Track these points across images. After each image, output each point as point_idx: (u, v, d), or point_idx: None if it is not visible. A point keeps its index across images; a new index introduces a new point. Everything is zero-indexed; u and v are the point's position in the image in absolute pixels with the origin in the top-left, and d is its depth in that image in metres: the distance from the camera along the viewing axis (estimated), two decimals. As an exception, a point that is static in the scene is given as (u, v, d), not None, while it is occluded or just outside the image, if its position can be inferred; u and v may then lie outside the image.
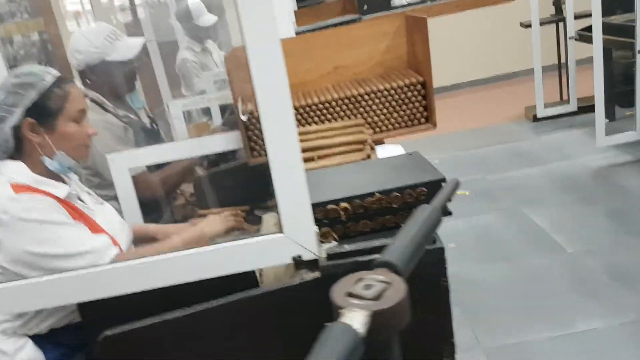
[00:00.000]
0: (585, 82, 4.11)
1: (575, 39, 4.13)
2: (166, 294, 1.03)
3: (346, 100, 1.65)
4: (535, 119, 4.60)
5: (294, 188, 0.97)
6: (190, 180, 2.11)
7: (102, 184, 2.12)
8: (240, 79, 1.65)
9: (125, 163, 1.88)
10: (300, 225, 0.99)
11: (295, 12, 3.64)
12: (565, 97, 4.65)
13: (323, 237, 1.06)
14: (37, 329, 1.32)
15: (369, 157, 1.39)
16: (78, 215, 1.35)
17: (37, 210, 1.26)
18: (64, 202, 1.34)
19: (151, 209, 2.09)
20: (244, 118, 1.60)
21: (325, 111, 1.65)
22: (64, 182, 1.43)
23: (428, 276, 1.00)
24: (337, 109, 1.66)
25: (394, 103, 1.67)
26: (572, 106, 4.48)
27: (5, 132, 1.33)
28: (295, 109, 1.64)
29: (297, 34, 1.96)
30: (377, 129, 1.69)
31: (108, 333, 1.02)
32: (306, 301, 1.01)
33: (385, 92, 1.66)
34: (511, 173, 3.93)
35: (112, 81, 2.25)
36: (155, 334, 1.04)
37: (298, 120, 1.65)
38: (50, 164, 1.37)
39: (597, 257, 2.71)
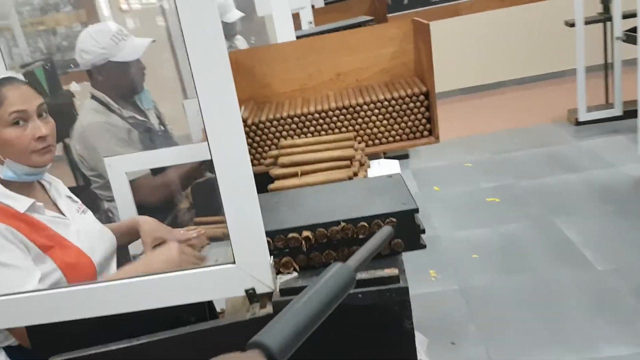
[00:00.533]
0: (633, 85, 3.87)
1: (623, 40, 3.88)
2: (118, 321, 0.98)
3: (344, 110, 1.57)
4: (577, 122, 4.38)
5: (246, 216, 0.90)
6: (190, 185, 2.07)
7: (106, 186, 2.10)
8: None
9: (122, 167, 1.85)
10: (253, 255, 0.92)
11: (320, 9, 3.56)
12: (610, 100, 4.40)
13: (283, 267, 0.98)
14: (7, 342, 1.30)
15: (355, 174, 1.30)
16: (36, 229, 1.31)
17: None
18: (21, 218, 1.30)
19: (154, 212, 2.06)
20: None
21: (322, 121, 1.57)
22: (35, 189, 1.40)
23: (391, 318, 0.91)
24: (335, 119, 1.57)
25: (394, 114, 1.57)
26: (617, 110, 4.24)
27: None
28: (291, 117, 1.57)
29: (302, 37, 1.88)
30: (377, 141, 1.60)
31: (55, 359, 0.97)
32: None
33: (386, 103, 1.56)
34: (546, 179, 3.74)
35: (118, 82, 2.23)
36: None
37: (293, 130, 1.57)
38: (3, 174, 1.33)
39: (628, 277, 2.53)
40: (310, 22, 2.61)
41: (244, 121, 1.57)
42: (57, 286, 1.31)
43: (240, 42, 4.20)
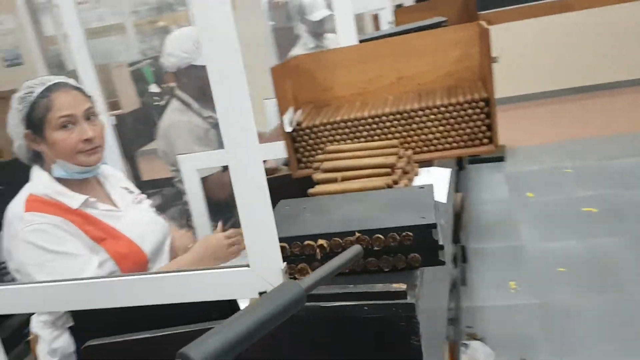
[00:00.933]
0: None
1: None
2: (154, 311, 1.04)
3: (397, 116, 1.54)
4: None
5: (259, 221, 0.92)
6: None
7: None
8: (287, 89, 1.61)
9: (194, 164, 1.95)
10: (267, 260, 0.94)
11: (407, 7, 3.51)
12: None
13: (299, 273, 0.99)
14: (70, 323, 1.42)
15: (395, 182, 1.28)
16: (89, 223, 1.41)
17: (40, 235, 1.35)
18: (75, 213, 1.41)
19: (225, 209, 2.15)
20: (288, 129, 1.56)
21: (375, 126, 1.56)
22: (90, 184, 1.51)
23: (397, 334, 0.89)
24: (388, 124, 1.55)
25: (452, 120, 1.52)
26: None
27: (20, 145, 1.44)
28: (345, 122, 1.57)
29: (367, 40, 1.86)
30: (432, 147, 1.55)
31: (90, 343, 1.05)
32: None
33: (443, 109, 1.52)
34: (651, 191, 3.45)
35: (199, 84, 2.35)
36: (133, 349, 1.06)
37: (346, 134, 1.57)
38: (56, 172, 1.45)
39: None
40: (390, 22, 2.58)
41: (299, 124, 1.59)
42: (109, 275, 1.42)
43: (331, 41, 4.24)
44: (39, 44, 7.11)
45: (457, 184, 3.95)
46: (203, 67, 2.30)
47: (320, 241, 0.98)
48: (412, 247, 0.97)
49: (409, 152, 1.43)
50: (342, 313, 0.90)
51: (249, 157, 0.90)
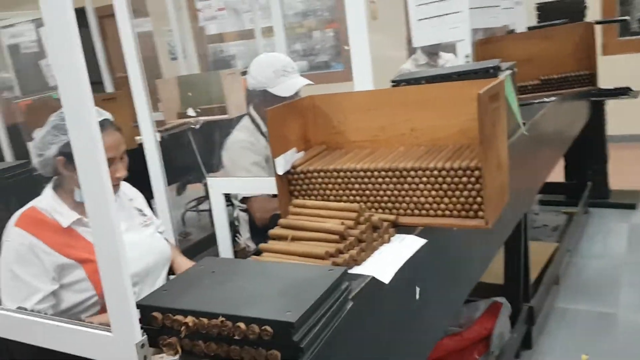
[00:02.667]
0: None
1: None
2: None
3: (390, 173, 1.43)
4: None
5: (118, 288, 0.91)
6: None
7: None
8: (291, 129, 1.57)
9: (220, 188, 1.98)
10: (128, 328, 0.93)
11: (521, 33, 3.24)
12: None
13: (167, 348, 0.96)
14: None
15: (340, 252, 1.18)
16: (74, 243, 1.49)
17: (11, 253, 1.47)
18: (64, 232, 1.49)
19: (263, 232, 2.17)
20: (280, 172, 1.52)
21: (367, 180, 1.46)
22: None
23: None
24: (380, 180, 1.44)
25: (445, 186, 1.37)
26: None
27: (45, 161, 1.55)
28: (337, 171, 1.49)
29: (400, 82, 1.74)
30: (424, 212, 1.41)
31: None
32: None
33: (436, 172, 1.38)
34: None
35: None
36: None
37: (338, 184, 1.49)
38: (77, 195, 1.54)
39: None
40: (467, 56, 2.39)
41: (293, 167, 1.54)
42: (83, 293, 1.50)
43: (445, 61, 4.05)
44: (196, 42, 7.71)
45: (564, 232, 3.58)
46: (276, 96, 2.35)
47: (189, 319, 0.94)
48: (272, 343, 0.89)
49: (377, 217, 1.31)
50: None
51: (107, 225, 0.89)
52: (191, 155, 3.68)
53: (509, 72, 2.06)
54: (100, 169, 0.87)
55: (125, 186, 1.76)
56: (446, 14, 2.36)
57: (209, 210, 4.09)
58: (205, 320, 0.93)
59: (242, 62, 7.67)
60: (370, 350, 1.17)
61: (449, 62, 4.12)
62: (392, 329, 1.26)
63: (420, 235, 1.37)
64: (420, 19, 2.42)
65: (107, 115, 1.64)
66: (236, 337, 0.91)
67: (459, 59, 2.41)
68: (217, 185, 1.96)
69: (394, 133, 1.60)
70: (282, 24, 2.92)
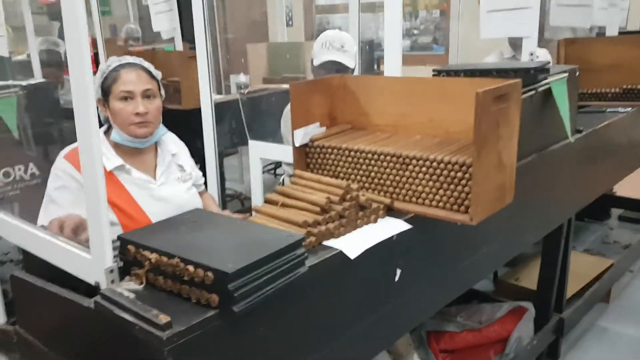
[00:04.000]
0: None
1: None
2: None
3: (394, 158, 1.48)
4: None
5: (97, 221, 1.07)
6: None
7: None
8: (314, 105, 1.65)
9: (259, 153, 2.12)
10: (101, 254, 1.08)
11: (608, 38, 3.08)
12: None
13: (135, 277, 1.11)
14: None
15: (318, 223, 1.27)
16: (113, 189, 1.67)
17: (53, 177, 1.67)
18: (107, 174, 1.67)
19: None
20: (297, 143, 1.62)
21: (372, 162, 1.52)
22: (144, 152, 1.78)
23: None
24: (385, 163, 1.50)
25: (442, 179, 1.41)
26: None
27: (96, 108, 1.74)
28: (348, 150, 1.56)
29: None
30: (420, 201, 1.46)
31: (16, 274, 1.33)
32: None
33: (435, 164, 1.41)
34: None
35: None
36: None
37: (349, 162, 1.57)
38: (113, 136, 1.72)
39: None
40: (532, 54, 2.32)
41: (312, 141, 1.63)
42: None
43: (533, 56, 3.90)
44: (305, 10, 7.86)
45: (630, 250, 3.39)
46: (320, 67, 2.45)
47: (152, 255, 1.07)
48: (213, 288, 1.00)
49: (365, 197, 1.37)
50: (118, 323, 1.00)
51: (92, 170, 1.04)
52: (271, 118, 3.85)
53: (560, 75, 2.01)
54: (88, 104, 1.00)
55: (170, 140, 1.91)
56: (516, 9, 2.30)
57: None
58: (165, 258, 1.06)
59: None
60: (327, 317, 1.25)
61: (539, 57, 3.97)
62: (357, 303, 1.33)
63: (410, 221, 1.42)
64: (489, 11, 2.38)
65: (139, 61, 1.78)
66: (185, 278, 1.03)
67: (524, 56, 2.35)
68: (256, 150, 2.10)
69: (414, 121, 1.64)
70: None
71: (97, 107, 1.75)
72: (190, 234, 1.15)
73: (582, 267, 2.93)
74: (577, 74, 2.19)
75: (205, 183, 2.35)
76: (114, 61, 1.75)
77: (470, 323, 2.39)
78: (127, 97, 1.69)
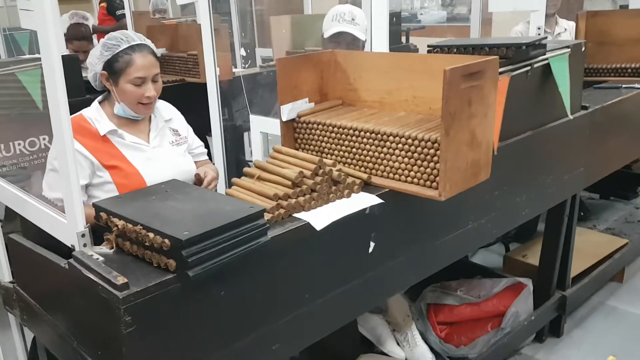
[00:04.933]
0: None
1: None
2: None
3: (372, 135, 1.51)
4: None
5: (70, 188, 1.15)
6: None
7: None
8: (303, 80, 1.69)
9: (259, 127, 2.18)
10: (74, 219, 1.17)
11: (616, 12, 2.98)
12: None
13: (106, 242, 1.20)
14: None
15: (287, 197, 1.33)
16: (106, 151, 1.77)
17: (55, 150, 1.74)
18: (100, 139, 1.77)
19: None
20: (284, 118, 1.67)
21: (354, 138, 1.56)
22: (141, 120, 1.88)
23: (109, 318, 1.05)
24: (365, 140, 1.54)
25: (416, 155, 1.44)
26: None
27: (96, 75, 1.82)
28: (331, 126, 1.60)
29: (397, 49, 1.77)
30: (396, 177, 1.50)
31: (12, 236, 1.45)
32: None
33: (410, 141, 1.44)
34: None
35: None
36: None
37: (332, 138, 1.61)
38: (116, 109, 1.81)
39: None
40: (539, 28, 2.29)
41: (298, 116, 1.68)
42: (108, 193, 1.78)
43: (560, 28, 3.83)
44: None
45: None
46: (329, 40, 2.47)
47: (119, 222, 1.16)
48: (170, 254, 1.08)
49: (337, 172, 1.42)
50: (86, 283, 1.09)
51: (63, 142, 1.12)
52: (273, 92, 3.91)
53: (561, 51, 1.98)
54: (55, 73, 1.08)
55: (164, 107, 1.98)
56: (524, -18, 2.27)
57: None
58: (130, 225, 1.14)
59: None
60: (293, 286, 1.32)
61: (567, 30, 3.87)
62: (327, 274, 1.39)
63: (386, 197, 1.46)
64: (498, -15, 2.36)
65: (145, 41, 1.85)
66: (147, 244, 1.11)
67: (531, 30, 2.31)
68: (256, 124, 2.16)
69: (399, 98, 1.66)
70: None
71: (99, 78, 1.84)
72: (159, 204, 1.23)
73: (593, 246, 2.90)
74: (583, 49, 2.15)
75: (211, 157, 2.44)
76: (122, 41, 1.81)
77: (469, 297, 2.42)
78: (140, 81, 1.78)
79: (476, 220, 1.83)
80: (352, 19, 2.54)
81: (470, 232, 1.81)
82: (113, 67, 1.77)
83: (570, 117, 2.04)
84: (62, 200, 1.23)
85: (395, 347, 2.32)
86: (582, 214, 3.68)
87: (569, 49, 2.02)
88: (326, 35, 2.49)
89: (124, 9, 4.43)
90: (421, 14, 7.65)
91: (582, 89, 2.29)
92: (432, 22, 7.37)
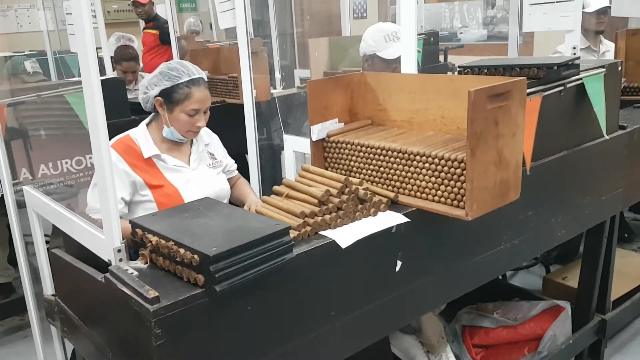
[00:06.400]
0: None
1: None
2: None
3: (400, 154, 1.53)
4: None
5: (108, 206, 1.22)
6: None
7: None
8: (333, 101, 1.73)
9: (292, 146, 2.23)
10: (111, 235, 1.24)
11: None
12: None
13: (141, 257, 1.25)
14: None
15: (314, 214, 1.36)
16: (149, 171, 1.87)
17: None
18: (145, 160, 1.85)
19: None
20: (314, 138, 1.71)
21: (382, 157, 1.58)
22: (184, 144, 1.96)
23: (142, 330, 1.10)
24: (392, 159, 1.56)
25: (442, 175, 1.45)
26: None
27: (149, 98, 1.91)
28: (360, 145, 1.63)
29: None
30: (424, 195, 1.51)
31: (54, 250, 1.52)
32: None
33: (430, 159, 1.46)
34: None
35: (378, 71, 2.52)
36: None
37: (360, 157, 1.64)
38: (165, 132, 1.90)
39: None
40: (575, 48, 2.27)
41: (328, 136, 1.72)
42: (149, 211, 1.85)
43: (605, 47, 3.77)
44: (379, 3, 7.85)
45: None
46: (384, 59, 2.50)
47: (153, 238, 1.21)
48: (199, 269, 1.12)
49: (364, 191, 1.44)
50: (120, 296, 1.14)
51: (101, 163, 1.19)
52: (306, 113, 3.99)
53: (596, 71, 1.96)
54: (94, 100, 1.14)
55: (205, 132, 2.08)
56: (559, 1, 2.26)
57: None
58: (163, 241, 1.19)
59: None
60: (319, 303, 1.34)
61: (610, 50, 3.80)
62: (352, 292, 1.40)
63: (414, 216, 1.47)
64: (532, 4, 2.35)
65: (202, 74, 1.94)
66: (178, 259, 1.16)
67: (567, 50, 2.30)
68: (290, 143, 2.21)
69: (427, 118, 1.68)
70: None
71: (151, 101, 1.92)
72: (191, 220, 1.28)
73: (636, 268, 2.82)
74: (620, 68, 2.12)
75: (248, 174, 2.50)
76: (183, 73, 1.90)
77: (506, 319, 2.38)
78: (194, 113, 1.88)
79: (509, 241, 1.81)
80: (399, 37, 2.55)
81: (503, 252, 1.79)
82: (171, 97, 1.87)
83: (607, 137, 2.01)
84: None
85: (429, 368, 2.30)
86: (626, 235, 3.58)
87: (604, 69, 1.99)
88: (385, 55, 2.50)
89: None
90: (461, 33, 7.62)
91: (621, 109, 2.25)
92: (472, 40, 7.34)
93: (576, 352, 2.38)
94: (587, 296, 2.39)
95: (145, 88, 1.95)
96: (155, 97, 1.91)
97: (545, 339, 2.27)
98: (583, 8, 3.43)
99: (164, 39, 5.60)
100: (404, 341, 2.32)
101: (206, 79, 1.96)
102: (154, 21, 5.79)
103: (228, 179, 2.12)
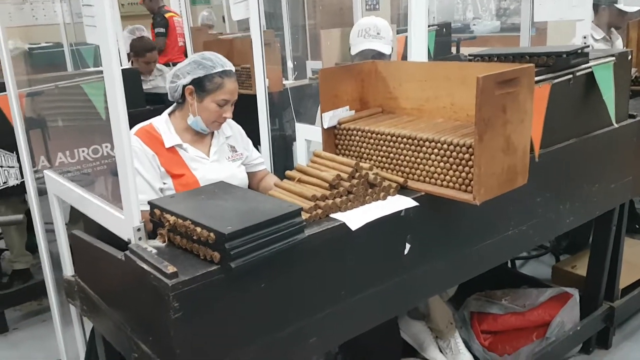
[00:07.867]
0: None
1: None
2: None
3: (410, 140, 1.57)
4: None
5: (128, 188, 1.27)
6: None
7: None
8: (343, 90, 1.77)
9: (304, 135, 2.27)
10: (130, 215, 1.29)
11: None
12: None
13: (159, 236, 1.30)
14: None
15: (325, 198, 1.40)
16: (171, 160, 1.91)
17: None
18: (167, 149, 1.91)
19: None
20: (325, 126, 1.75)
21: (391, 144, 1.62)
22: (206, 135, 2.02)
23: (162, 304, 1.15)
24: (402, 145, 1.59)
25: (451, 160, 1.48)
26: None
27: (178, 87, 1.95)
28: (370, 132, 1.67)
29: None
30: (432, 180, 1.54)
31: (75, 232, 1.58)
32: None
33: (445, 146, 1.49)
34: None
35: None
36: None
37: (371, 144, 1.67)
38: (190, 120, 1.95)
39: None
40: (585, 37, 2.29)
41: (339, 124, 1.75)
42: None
43: (615, 37, 3.76)
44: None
45: None
46: (354, 56, 2.53)
47: (171, 218, 1.26)
48: (215, 247, 1.17)
49: (373, 175, 1.48)
50: (140, 272, 1.19)
51: (122, 149, 1.24)
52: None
53: (605, 60, 1.98)
54: (115, 86, 1.19)
55: (227, 124, 2.11)
56: (569, -8, 2.28)
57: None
58: (180, 221, 1.24)
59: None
60: (328, 282, 1.38)
61: (619, 39, 3.80)
62: (361, 272, 1.44)
63: (423, 200, 1.51)
64: (544, -6, 2.37)
65: (232, 67, 1.99)
66: (194, 238, 1.21)
67: (577, 40, 2.32)
68: (301, 131, 2.25)
69: (437, 105, 1.71)
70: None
71: (179, 90, 1.96)
72: (207, 202, 1.32)
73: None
74: (630, 57, 2.13)
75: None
76: (217, 64, 1.94)
77: (514, 306, 2.42)
78: (223, 103, 1.93)
79: (517, 227, 1.84)
80: (378, 33, 2.57)
81: (510, 238, 1.82)
82: (204, 86, 1.91)
83: (616, 125, 2.03)
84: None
85: (437, 354, 2.34)
86: (637, 226, 3.59)
87: (613, 58, 2.01)
88: (353, 52, 2.54)
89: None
90: (474, 25, 7.61)
91: (631, 98, 2.26)
92: (485, 32, 7.32)
93: (584, 339, 2.41)
94: (596, 283, 2.41)
95: (175, 77, 1.98)
96: (186, 85, 1.94)
97: (553, 325, 2.30)
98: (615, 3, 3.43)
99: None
100: (413, 327, 2.37)
101: (233, 71, 1.99)
102: (154, 18, 5.82)
103: (254, 173, 2.17)
